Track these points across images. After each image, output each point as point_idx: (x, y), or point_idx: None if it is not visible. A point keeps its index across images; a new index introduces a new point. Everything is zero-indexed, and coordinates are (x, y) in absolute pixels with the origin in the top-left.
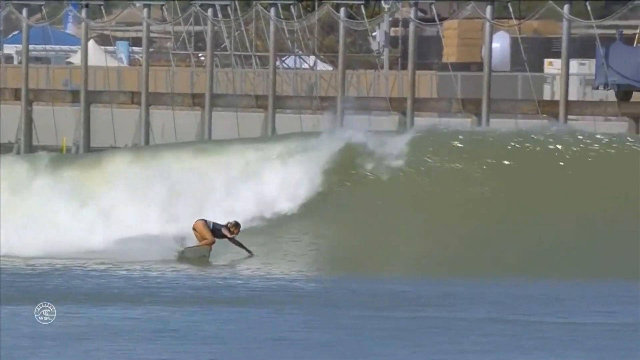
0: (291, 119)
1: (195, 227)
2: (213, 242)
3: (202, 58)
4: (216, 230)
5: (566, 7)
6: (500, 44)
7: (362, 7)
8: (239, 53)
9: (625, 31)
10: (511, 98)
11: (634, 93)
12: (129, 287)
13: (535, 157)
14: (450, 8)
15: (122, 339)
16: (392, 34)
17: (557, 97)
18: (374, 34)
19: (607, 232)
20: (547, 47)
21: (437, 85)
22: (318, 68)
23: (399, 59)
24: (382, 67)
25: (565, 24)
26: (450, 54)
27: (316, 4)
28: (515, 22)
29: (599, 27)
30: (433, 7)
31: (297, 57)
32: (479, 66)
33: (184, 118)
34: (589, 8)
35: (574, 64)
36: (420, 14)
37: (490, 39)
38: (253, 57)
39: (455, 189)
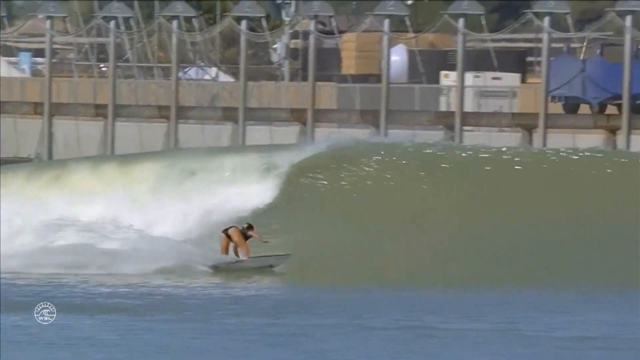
0: (194, 129)
1: (231, 235)
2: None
3: (105, 69)
4: (245, 236)
5: (461, 21)
6: (398, 56)
7: (263, 19)
8: (141, 64)
9: (520, 44)
10: (409, 109)
11: (581, 105)
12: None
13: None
14: (348, 21)
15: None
16: (292, 46)
17: (453, 109)
18: (274, 46)
19: (575, 237)
20: (443, 60)
21: (337, 96)
22: (220, 79)
23: (300, 71)
24: (282, 79)
25: (460, 37)
26: (349, 66)
27: (218, 16)
28: (412, 35)
29: (493, 40)
30: (332, 20)
31: (199, 69)
32: (378, 78)
33: (87, 128)
34: (483, 22)
35: (469, 77)
36: (320, 26)
37: (388, 52)
38: (155, 69)
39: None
